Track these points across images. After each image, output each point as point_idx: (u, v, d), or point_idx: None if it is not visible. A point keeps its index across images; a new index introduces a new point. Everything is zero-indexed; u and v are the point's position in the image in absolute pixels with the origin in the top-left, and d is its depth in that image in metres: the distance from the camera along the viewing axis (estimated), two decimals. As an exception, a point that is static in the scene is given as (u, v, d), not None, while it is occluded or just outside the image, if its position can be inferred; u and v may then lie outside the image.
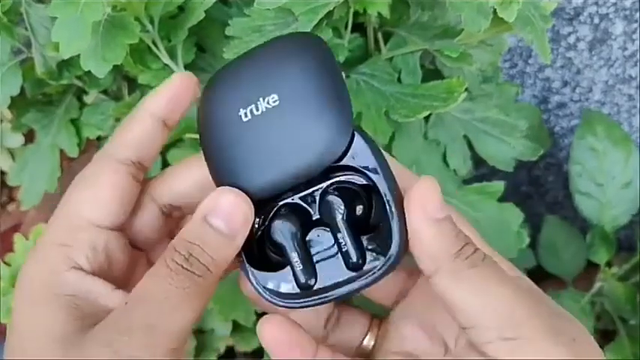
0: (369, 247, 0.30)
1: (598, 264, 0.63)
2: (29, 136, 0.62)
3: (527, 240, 0.54)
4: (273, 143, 0.29)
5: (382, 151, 0.30)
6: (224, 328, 0.64)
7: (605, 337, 0.64)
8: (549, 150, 0.63)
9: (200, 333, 0.67)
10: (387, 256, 0.29)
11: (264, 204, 0.31)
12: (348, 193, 0.30)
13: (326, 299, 0.30)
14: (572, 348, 0.28)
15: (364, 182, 0.30)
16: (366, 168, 0.29)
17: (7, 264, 0.50)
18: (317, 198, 0.30)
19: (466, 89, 0.41)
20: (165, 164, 0.58)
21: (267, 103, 0.29)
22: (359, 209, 0.30)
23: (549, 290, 0.64)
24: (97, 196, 0.31)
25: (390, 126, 0.43)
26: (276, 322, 0.31)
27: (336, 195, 0.30)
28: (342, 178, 0.30)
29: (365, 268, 0.29)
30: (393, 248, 0.29)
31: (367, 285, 0.29)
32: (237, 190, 0.29)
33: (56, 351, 0.28)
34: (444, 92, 0.41)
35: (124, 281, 0.32)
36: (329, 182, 0.30)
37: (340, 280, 0.30)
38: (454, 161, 0.51)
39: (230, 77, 0.31)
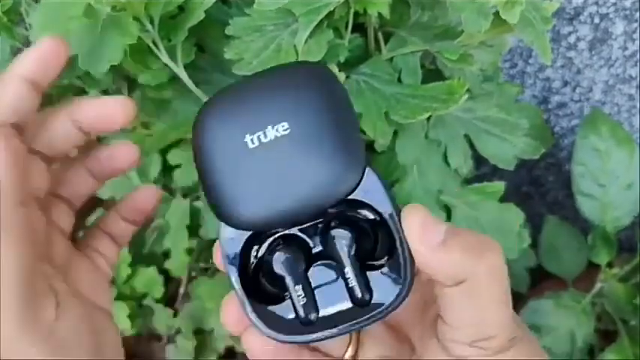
0: (376, 281, 0.29)
1: (599, 264, 0.63)
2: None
3: (529, 240, 0.54)
4: (282, 173, 0.28)
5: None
6: (224, 328, 0.64)
7: (605, 337, 0.64)
8: (550, 150, 0.63)
9: (200, 333, 0.67)
10: (397, 292, 0.28)
11: (260, 233, 0.29)
12: (354, 227, 0.29)
13: (328, 334, 0.29)
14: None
15: (372, 217, 0.29)
16: (377, 203, 0.29)
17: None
18: (319, 230, 0.29)
19: (467, 90, 0.41)
20: (165, 164, 0.58)
21: (277, 130, 0.28)
22: (365, 244, 0.29)
23: (550, 290, 0.64)
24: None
25: (390, 126, 0.43)
26: (259, 336, 0.30)
27: (342, 229, 0.29)
28: (349, 212, 0.29)
29: (372, 303, 0.29)
30: (404, 284, 0.28)
31: (374, 320, 0.29)
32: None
33: None
34: (445, 93, 0.41)
35: None
36: (333, 215, 0.29)
37: (344, 315, 0.29)
38: (455, 161, 0.51)
39: (233, 102, 0.29)
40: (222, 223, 0.29)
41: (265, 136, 0.28)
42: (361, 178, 0.28)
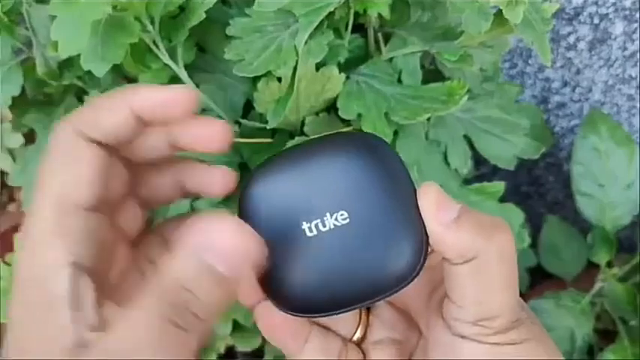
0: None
1: (598, 264, 0.63)
2: (29, 136, 0.62)
3: (529, 240, 0.54)
4: (342, 263, 0.28)
5: None
6: (224, 328, 0.64)
7: (605, 337, 0.64)
8: (550, 150, 0.63)
9: (200, 333, 0.67)
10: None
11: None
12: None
13: (348, 308, 0.29)
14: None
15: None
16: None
17: (7, 264, 0.50)
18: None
19: (467, 91, 0.41)
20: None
21: (336, 219, 0.28)
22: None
23: (550, 290, 0.64)
24: (80, 178, 0.28)
25: (391, 127, 0.43)
26: (271, 309, 0.30)
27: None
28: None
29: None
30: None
31: (387, 295, 0.29)
32: (233, 218, 0.26)
33: None
34: (445, 94, 0.41)
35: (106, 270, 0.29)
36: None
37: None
38: (455, 161, 0.51)
39: (286, 180, 0.29)
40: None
41: (324, 225, 0.28)
42: (421, 267, 0.29)
